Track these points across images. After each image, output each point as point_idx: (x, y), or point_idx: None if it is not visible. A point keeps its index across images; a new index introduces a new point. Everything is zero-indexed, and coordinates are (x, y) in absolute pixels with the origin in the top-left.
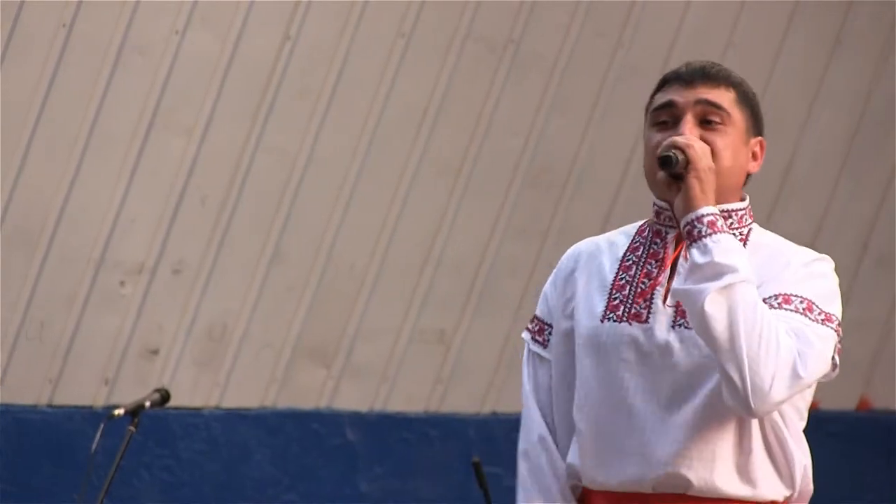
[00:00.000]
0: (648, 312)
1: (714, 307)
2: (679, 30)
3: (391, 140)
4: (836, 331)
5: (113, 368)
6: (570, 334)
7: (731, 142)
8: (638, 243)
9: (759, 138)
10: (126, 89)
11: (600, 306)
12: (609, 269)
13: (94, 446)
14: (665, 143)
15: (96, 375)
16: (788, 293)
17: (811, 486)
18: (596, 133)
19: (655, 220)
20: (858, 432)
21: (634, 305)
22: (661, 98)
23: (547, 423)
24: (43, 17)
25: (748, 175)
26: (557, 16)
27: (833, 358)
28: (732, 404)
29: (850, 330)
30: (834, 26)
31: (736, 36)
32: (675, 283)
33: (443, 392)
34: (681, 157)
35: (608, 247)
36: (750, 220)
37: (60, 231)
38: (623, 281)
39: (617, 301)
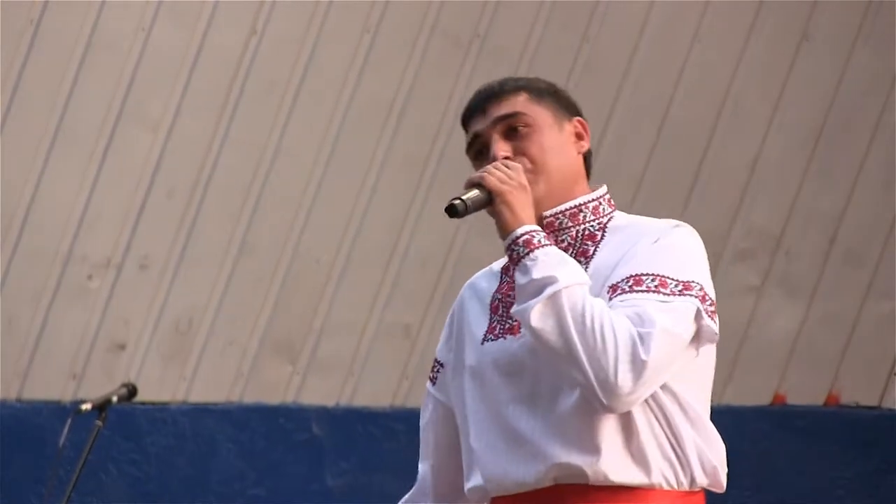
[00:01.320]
0: (518, 324)
1: (540, 321)
2: (644, 24)
3: (357, 134)
4: (698, 296)
5: (80, 363)
6: (462, 365)
7: (544, 139)
8: (508, 264)
9: (577, 118)
10: (93, 85)
11: (481, 331)
12: (487, 295)
13: (61, 441)
14: (464, 184)
15: (64, 370)
16: (639, 273)
17: (716, 462)
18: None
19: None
20: (826, 427)
21: (508, 321)
22: (468, 136)
23: (430, 463)
24: (10, 13)
25: (586, 157)
26: (523, 10)
27: (705, 323)
28: (595, 406)
29: (817, 325)
30: (800, 21)
31: (702, 30)
32: (512, 309)
33: (409, 387)
34: (475, 196)
35: (489, 275)
36: (610, 209)
37: (28, 226)
38: (496, 301)
39: (494, 322)
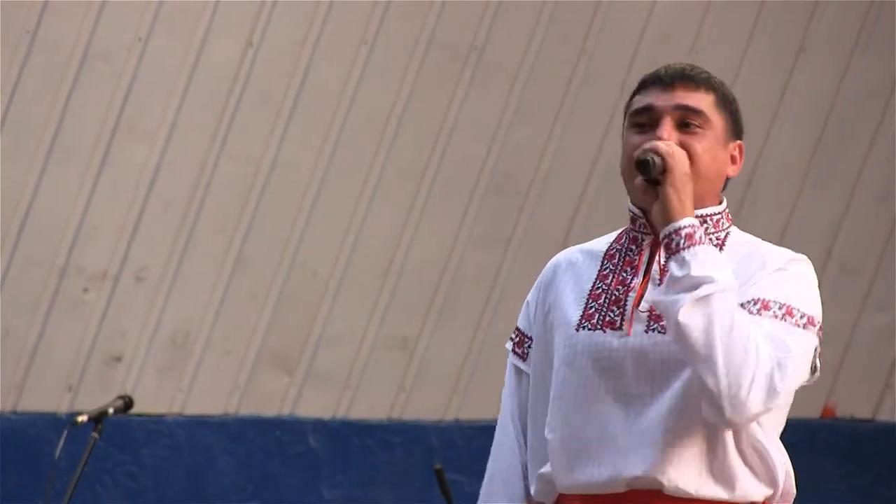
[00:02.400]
0: (622, 319)
1: (689, 317)
2: (642, 36)
3: (354, 146)
4: (817, 335)
5: (76, 375)
6: (548, 345)
7: (710, 146)
8: (615, 250)
9: (739, 142)
10: (89, 96)
11: (576, 316)
12: (587, 279)
13: (57, 453)
14: (645, 146)
15: (60, 382)
16: (767, 298)
17: (794, 489)
18: (559, 140)
19: (631, 226)
20: (822, 440)
21: (609, 313)
22: (640, 101)
23: (519, 441)
24: (6, 23)
25: (727, 179)
26: (521, 22)
27: (814, 362)
28: (710, 415)
29: None
30: (797, 33)
31: (699, 42)
32: (654, 294)
33: (405, 399)
34: (659, 161)
35: (587, 256)
36: (728, 224)
37: (24, 238)
38: (599, 290)
39: (592, 310)
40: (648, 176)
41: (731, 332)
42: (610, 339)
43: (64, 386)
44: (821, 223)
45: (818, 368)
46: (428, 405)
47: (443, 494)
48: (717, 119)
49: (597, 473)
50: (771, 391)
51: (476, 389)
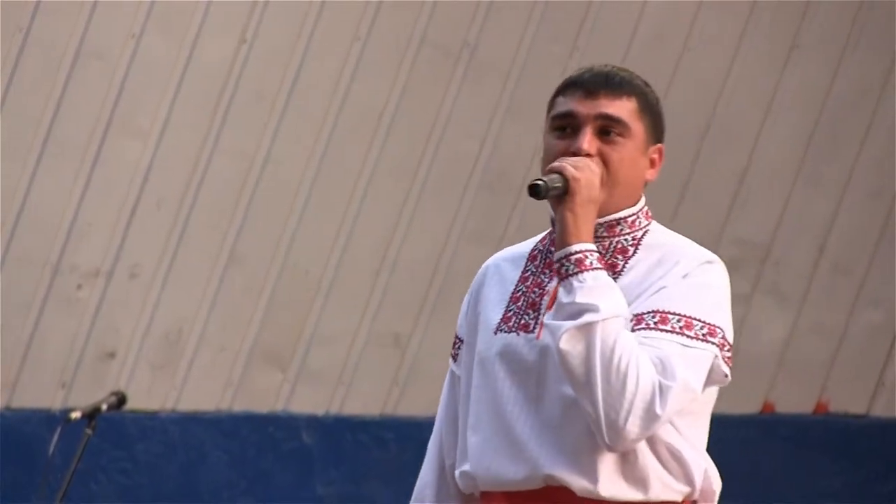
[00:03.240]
0: (535, 322)
1: (570, 345)
2: (634, 35)
3: (347, 144)
4: (718, 344)
5: (70, 372)
6: (473, 349)
7: (629, 154)
8: (537, 252)
9: (659, 146)
10: (83, 93)
11: (496, 319)
12: (510, 281)
13: (51, 449)
14: (553, 165)
15: (53, 378)
16: (667, 311)
17: (715, 487)
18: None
19: (552, 227)
20: (815, 436)
21: (524, 316)
22: (563, 105)
23: (446, 447)
24: (0, 21)
25: (646, 182)
26: (512, 20)
27: (721, 370)
28: (595, 437)
29: (806, 334)
30: (790, 31)
31: (691, 40)
32: (545, 317)
33: (398, 395)
34: (557, 185)
35: (514, 258)
36: (646, 222)
37: (17, 235)
38: (519, 292)
39: (510, 313)
40: (539, 198)
41: (612, 360)
42: (522, 342)
43: (58, 382)
44: (813, 220)
45: (728, 375)
46: (421, 401)
47: None
48: (637, 126)
49: (513, 472)
50: (649, 418)
51: None
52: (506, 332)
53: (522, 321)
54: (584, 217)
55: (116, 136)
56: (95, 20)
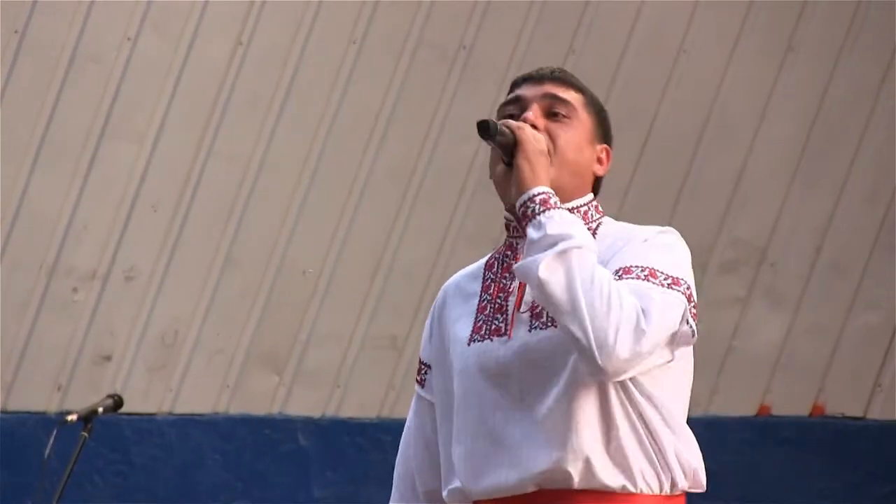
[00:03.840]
0: (506, 324)
1: (549, 273)
2: (630, 36)
3: (343, 146)
4: (685, 294)
5: (66, 374)
6: (448, 367)
7: (576, 136)
8: (493, 260)
9: (605, 146)
10: (78, 96)
11: (466, 332)
12: (472, 294)
13: (47, 452)
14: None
15: (49, 381)
16: (629, 265)
17: (696, 465)
18: None
19: (507, 234)
20: (812, 438)
21: (494, 321)
22: (510, 95)
23: (417, 461)
24: None
25: (597, 179)
26: (509, 22)
27: (687, 323)
28: (585, 368)
29: (802, 336)
30: (786, 32)
31: (687, 42)
32: (515, 265)
33: (395, 398)
34: (507, 133)
35: (472, 274)
36: (598, 215)
37: (13, 238)
38: (484, 301)
39: (480, 322)
40: (487, 137)
41: (593, 283)
42: (497, 346)
43: (53, 385)
44: (810, 222)
45: (695, 332)
46: None
47: None
48: (584, 116)
49: (504, 477)
50: (637, 334)
51: None
52: (479, 340)
53: (493, 326)
54: (539, 165)
55: (112, 139)
56: (91, 22)
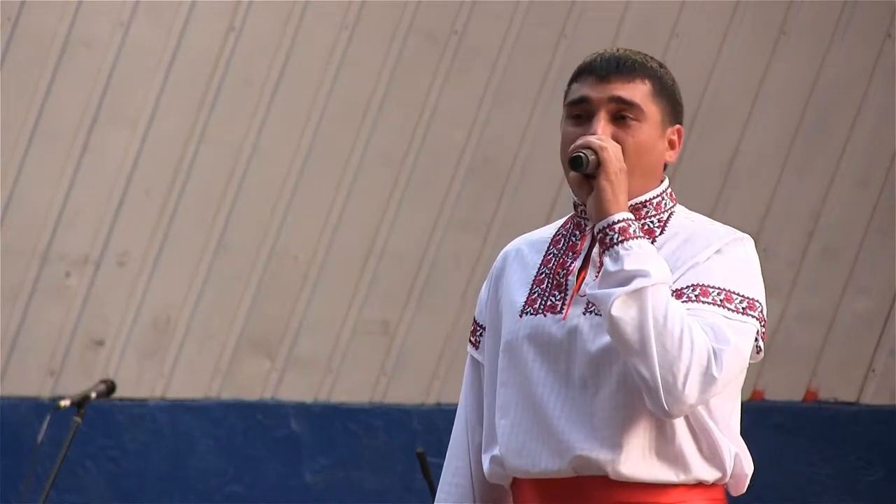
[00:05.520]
0: (563, 303)
1: (622, 311)
2: (622, 21)
3: (335, 132)
4: (758, 318)
5: (58, 360)
6: (498, 333)
7: (646, 138)
8: (560, 236)
9: (677, 126)
10: (71, 82)
11: (520, 302)
12: (532, 265)
13: (40, 437)
14: (578, 142)
15: (42, 367)
16: (706, 284)
17: (746, 471)
18: (539, 124)
19: (575, 212)
20: (805, 423)
21: (550, 297)
22: (576, 92)
23: (469, 428)
24: None
25: (666, 165)
26: (500, 8)
27: (757, 343)
28: (649, 406)
29: (795, 321)
30: (777, 19)
31: (679, 27)
32: (589, 288)
33: (387, 383)
34: (592, 157)
35: (536, 243)
36: (671, 204)
37: (5, 223)
38: (542, 275)
39: (535, 295)
40: (581, 172)
41: (665, 324)
42: (550, 322)
43: (46, 371)
44: (801, 208)
45: (762, 349)
46: (409, 389)
47: (424, 478)
48: (652, 109)
49: (544, 459)
50: (707, 381)
51: (457, 373)
52: (532, 314)
53: (549, 302)
54: (620, 187)
55: (105, 125)
56: (83, 9)
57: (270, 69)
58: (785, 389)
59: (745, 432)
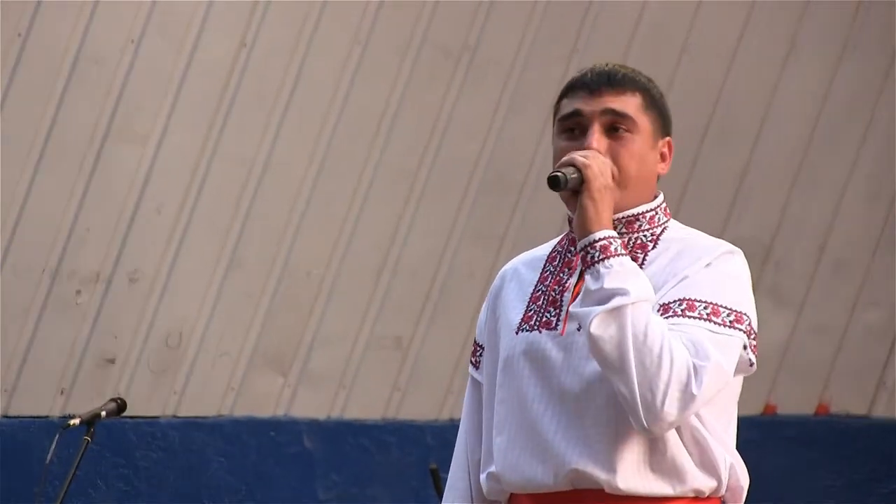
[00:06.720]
0: (558, 319)
1: (601, 329)
2: (634, 34)
3: (347, 146)
4: (746, 331)
5: (69, 378)
6: (496, 352)
7: (638, 149)
8: (556, 253)
9: (667, 139)
10: (82, 98)
11: (517, 319)
12: (529, 283)
13: (49, 456)
14: (564, 159)
15: (52, 385)
16: (693, 298)
17: (742, 483)
18: (551, 138)
19: (570, 228)
20: (817, 437)
21: (546, 313)
22: (568, 107)
23: (469, 450)
24: None
25: (658, 176)
26: (513, 21)
27: (748, 357)
28: (632, 423)
29: (807, 334)
30: (788, 30)
31: (691, 40)
32: (571, 306)
33: (400, 399)
34: (573, 176)
35: (532, 261)
36: (665, 219)
37: (16, 241)
38: (539, 292)
39: (532, 312)
40: (559, 191)
41: (645, 342)
42: (545, 338)
43: (56, 389)
44: (813, 221)
45: (754, 363)
46: (423, 404)
47: (437, 494)
48: (644, 121)
49: (540, 472)
50: (686, 398)
51: None
52: (527, 330)
53: (544, 318)
54: (602, 204)
55: (116, 141)
56: (94, 24)
57: (282, 84)
58: (797, 403)
59: (758, 446)
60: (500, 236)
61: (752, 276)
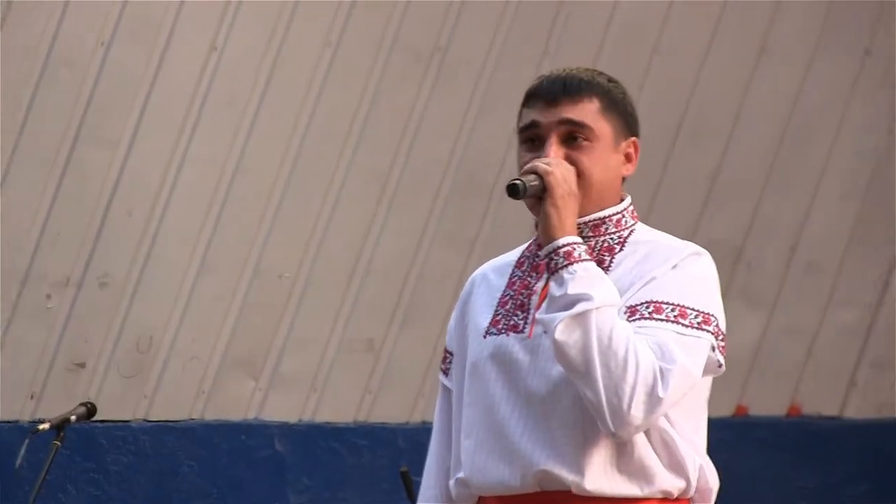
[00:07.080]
0: (525, 322)
1: (565, 335)
2: (605, 35)
3: (319, 149)
4: (714, 332)
5: (39, 382)
6: (465, 357)
7: (599, 156)
8: (524, 258)
9: (632, 139)
10: (52, 101)
11: (484, 324)
12: (497, 288)
13: (18, 461)
14: (527, 166)
15: (23, 389)
16: (660, 301)
17: (711, 485)
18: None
19: (537, 232)
20: (788, 438)
21: (513, 317)
22: (526, 117)
23: (440, 457)
24: None
25: (624, 178)
26: (484, 23)
27: (716, 358)
28: (600, 427)
29: (779, 336)
30: (760, 31)
31: (662, 43)
32: (537, 312)
33: (372, 401)
34: (534, 183)
35: (500, 267)
36: (632, 222)
37: None
38: (507, 297)
39: (499, 316)
40: (518, 198)
41: (610, 346)
42: (512, 342)
43: (26, 394)
44: (785, 221)
45: (723, 364)
46: (394, 407)
47: (408, 497)
48: (603, 126)
49: (508, 474)
50: (653, 402)
51: None
52: (495, 334)
53: (511, 322)
54: (566, 210)
55: (86, 144)
56: (64, 28)
57: (253, 88)
58: (769, 404)
59: (730, 447)
60: (471, 239)
61: (723, 277)
